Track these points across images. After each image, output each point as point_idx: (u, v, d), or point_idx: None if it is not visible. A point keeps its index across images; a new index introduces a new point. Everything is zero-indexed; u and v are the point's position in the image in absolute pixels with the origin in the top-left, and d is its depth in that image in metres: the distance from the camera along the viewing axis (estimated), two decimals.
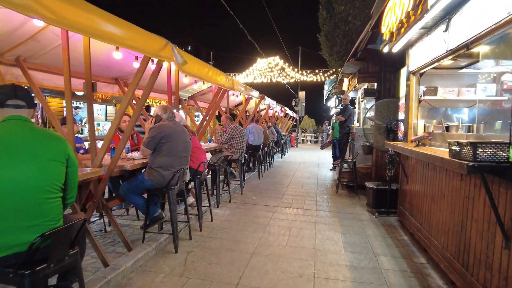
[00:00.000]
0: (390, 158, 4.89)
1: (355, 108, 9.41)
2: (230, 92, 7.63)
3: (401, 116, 4.62)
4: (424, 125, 4.26)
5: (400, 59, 6.41)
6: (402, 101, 4.56)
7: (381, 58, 6.57)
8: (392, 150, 4.84)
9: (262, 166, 9.01)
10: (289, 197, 6.06)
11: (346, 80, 9.06)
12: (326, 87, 12.99)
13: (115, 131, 3.11)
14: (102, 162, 3.08)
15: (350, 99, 8.18)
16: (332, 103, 18.41)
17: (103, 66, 4.24)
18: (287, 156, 14.07)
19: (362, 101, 8.90)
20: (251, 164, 8.52)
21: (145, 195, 3.40)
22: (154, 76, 2.95)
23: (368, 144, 6.56)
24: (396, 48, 4.15)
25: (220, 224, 4.30)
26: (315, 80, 23.06)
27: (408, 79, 4.37)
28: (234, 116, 8.71)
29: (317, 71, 23.49)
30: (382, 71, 6.52)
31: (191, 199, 4.02)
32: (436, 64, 3.50)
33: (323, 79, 22.98)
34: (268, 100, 7.88)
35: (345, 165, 6.92)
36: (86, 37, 2.86)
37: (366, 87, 7.35)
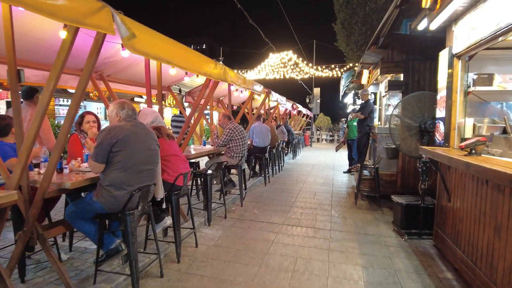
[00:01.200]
0: (424, 166, 3.87)
1: (376, 104, 8.33)
2: (233, 87, 6.75)
3: (439, 113, 3.59)
4: (474, 125, 3.22)
5: (434, 43, 5.33)
6: (441, 94, 3.52)
7: (408, 44, 5.51)
8: (427, 157, 3.82)
9: (270, 170, 8.07)
10: (298, 210, 5.11)
11: (365, 73, 7.98)
12: (342, 82, 11.91)
13: (66, 135, 2.26)
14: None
15: (370, 94, 7.11)
16: (349, 99, 17.23)
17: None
18: (300, 157, 13.06)
19: (384, 96, 7.82)
20: (257, 169, 7.59)
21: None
22: (91, 56, 2.07)
23: (393, 146, 5.53)
24: (436, 23, 3.13)
25: (206, 252, 3.40)
26: (330, 75, 21.82)
27: (450, 65, 3.33)
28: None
29: (333, 66, 22.26)
30: (410, 60, 5.45)
31: (168, 221, 3.17)
32: (500, 39, 2.47)
33: (339, 74, 21.76)
34: (275, 96, 6.93)
35: (365, 171, 5.90)
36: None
37: (390, 79, 6.27)
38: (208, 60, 3.41)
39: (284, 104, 8.47)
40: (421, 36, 5.81)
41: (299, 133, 17.67)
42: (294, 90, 28.75)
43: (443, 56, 3.49)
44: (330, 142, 24.22)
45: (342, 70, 22.20)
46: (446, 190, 3.33)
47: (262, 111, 9.61)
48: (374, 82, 7.38)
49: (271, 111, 13.44)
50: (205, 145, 5.45)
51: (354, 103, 11.31)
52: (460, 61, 3.25)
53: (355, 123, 8.78)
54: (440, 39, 5.49)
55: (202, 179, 4.28)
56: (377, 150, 5.99)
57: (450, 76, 3.32)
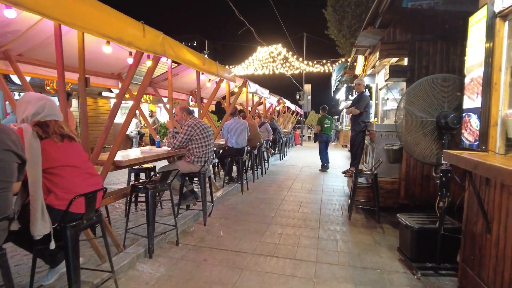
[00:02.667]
0: (445, 177, 2.80)
1: (372, 99, 7.28)
2: (204, 77, 5.62)
3: (469, 103, 2.51)
4: None
5: (447, 18, 4.28)
6: (472, 75, 2.45)
7: (414, 21, 4.45)
8: (448, 164, 2.75)
9: (250, 175, 6.96)
10: (277, 229, 4.01)
11: (360, 61, 6.91)
12: (334, 76, 10.85)
13: None
14: None
15: (365, 85, 6.03)
16: (341, 95, 16.18)
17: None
18: (288, 157, 11.97)
19: (381, 88, 6.76)
20: (235, 173, 6.47)
21: None
22: None
23: (395, 147, 4.46)
24: None
25: None
26: (322, 71, 20.82)
27: (490, 31, 2.25)
28: (240, 112, 6.49)
29: (324, 61, 21.25)
30: (416, 40, 4.39)
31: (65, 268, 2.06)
32: None
33: (331, 70, 20.76)
34: (254, 87, 5.82)
35: (361, 179, 4.83)
36: None
37: (391, 64, 5.21)
38: (131, 23, 2.27)
39: (267, 98, 7.36)
40: (430, 11, 4.76)
41: (288, 131, 16.61)
42: (284, 87, 27.67)
43: (477, 20, 2.40)
44: None
45: (333, 65, 21.20)
46: (484, 214, 2.26)
47: (250, 107, 8.49)
48: (370, 72, 6.32)
49: (259, 107, 12.35)
50: (159, 147, 4.30)
51: (347, 99, 10.26)
52: (506, 23, 2.18)
53: (326, 121, 8.83)
54: (454, 14, 4.43)
55: (146, 194, 3.13)
56: (375, 151, 4.92)
57: (490, 47, 2.24)
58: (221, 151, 6.47)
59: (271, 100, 8.16)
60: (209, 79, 6.00)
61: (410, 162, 4.50)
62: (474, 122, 2.41)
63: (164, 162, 4.70)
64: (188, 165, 3.96)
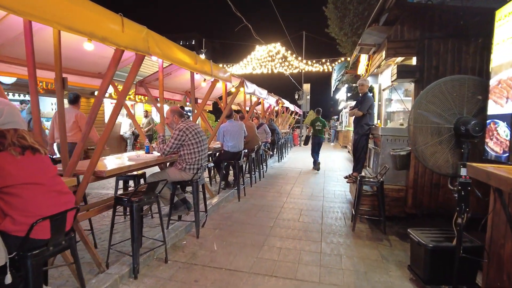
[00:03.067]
0: (464, 191, 2.50)
1: (375, 100, 6.98)
2: (198, 76, 5.30)
3: (494, 108, 2.21)
4: None
5: (460, 15, 3.98)
6: (499, 76, 2.15)
7: (423, 17, 4.14)
8: (467, 177, 2.46)
9: (248, 179, 6.66)
10: (276, 242, 3.70)
11: (363, 60, 6.61)
12: (334, 76, 10.55)
13: None
14: None
15: (369, 85, 5.72)
16: (341, 95, 15.84)
17: None
18: (287, 159, 11.67)
19: (385, 89, 6.46)
20: (232, 177, 6.16)
21: None
22: None
23: (403, 153, 4.16)
24: None
25: None
26: (321, 70, 20.53)
27: None
28: (238, 113, 6.12)
29: (323, 60, 20.94)
30: (426, 38, 4.09)
31: None
32: None
33: (331, 69, 20.46)
34: (251, 87, 5.51)
35: (366, 186, 4.52)
36: None
37: (398, 64, 4.91)
38: (107, 15, 1.95)
39: (265, 98, 7.05)
40: (441, 6, 4.46)
41: (287, 132, 16.32)
42: (283, 86, 27.38)
43: (506, 13, 2.10)
44: None
45: (333, 64, 20.87)
46: None
47: (248, 107, 8.18)
48: (375, 70, 6.01)
49: (257, 107, 12.04)
50: (148, 152, 3.98)
51: (348, 99, 9.95)
52: None
53: (318, 123, 9.03)
54: (469, 10, 4.13)
55: (132, 207, 2.81)
56: (381, 157, 4.62)
57: None
58: (217, 154, 6.16)
59: (270, 100, 7.85)
60: (204, 79, 5.68)
61: (418, 169, 4.20)
62: (502, 130, 2.10)
63: (156, 168, 4.39)
64: (180, 173, 3.64)
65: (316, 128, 9.05)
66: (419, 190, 4.22)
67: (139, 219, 2.80)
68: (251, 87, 5.48)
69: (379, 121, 6.71)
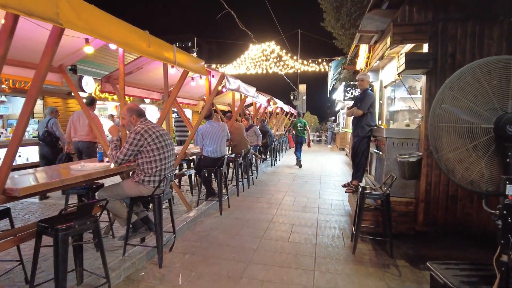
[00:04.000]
0: (511, 216, 1.79)
1: (375, 99, 6.28)
2: (174, 70, 4.60)
3: None
4: None
5: None
6: None
7: None
8: None
9: (235, 186, 5.93)
10: (258, 272, 2.97)
11: (362, 52, 5.91)
12: (330, 74, 9.87)
13: None
14: None
15: (370, 81, 5.00)
16: (338, 95, 15.11)
17: None
18: (281, 163, 10.95)
19: (391, 84, 5.77)
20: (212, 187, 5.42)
21: None
22: None
23: (412, 159, 3.46)
24: None
25: None
26: (317, 70, 19.86)
27: None
28: (226, 113, 5.45)
29: (320, 60, 20.30)
30: (440, 21, 3.40)
31: None
32: None
33: (327, 69, 19.81)
34: (235, 83, 4.76)
35: (369, 199, 3.80)
36: None
37: (408, 52, 4.22)
38: None
39: (253, 97, 6.33)
40: None
41: (282, 134, 15.61)
42: (278, 87, 26.70)
43: None
44: (317, 142, 22.25)
45: (330, 64, 20.22)
46: None
47: (238, 110, 7.43)
48: (376, 64, 5.31)
49: (250, 108, 11.31)
50: (101, 161, 3.24)
51: (345, 99, 9.26)
52: None
53: (299, 124, 9.74)
54: None
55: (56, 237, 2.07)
56: (385, 164, 3.91)
57: None
58: (198, 159, 5.42)
59: (259, 99, 7.12)
60: (192, 78, 4.97)
61: (431, 178, 3.51)
62: None
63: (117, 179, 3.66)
64: (137, 187, 2.91)
65: (298, 128, 9.89)
66: (432, 203, 3.52)
67: (65, 253, 2.06)
68: (234, 83, 4.75)
69: (380, 121, 6.01)
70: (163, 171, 2.99)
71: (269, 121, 12.55)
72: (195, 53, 22.18)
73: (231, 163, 5.96)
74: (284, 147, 15.25)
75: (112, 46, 3.21)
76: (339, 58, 13.96)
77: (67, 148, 5.46)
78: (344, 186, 5.14)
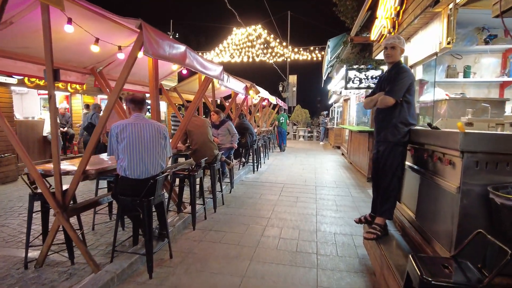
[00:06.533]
0: None
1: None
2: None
3: None
4: None
5: None
6: None
7: None
8: None
9: (188, 217, 3.93)
10: None
11: (382, 11, 3.92)
12: (327, 59, 7.86)
13: None
14: None
15: (404, 49, 2.99)
16: (334, 84, 13.00)
17: None
18: (266, 167, 8.96)
19: (427, 61, 3.85)
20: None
21: None
22: None
23: None
24: None
25: None
26: (309, 58, 17.90)
27: None
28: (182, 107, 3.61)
29: (312, 48, 18.32)
30: None
31: None
32: None
33: (320, 58, 17.85)
34: (196, 60, 2.72)
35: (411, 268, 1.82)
36: None
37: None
38: None
39: (221, 82, 4.30)
40: None
41: (270, 130, 13.62)
42: (264, 77, 24.54)
43: None
44: (308, 139, 20.36)
45: (323, 53, 18.26)
46: None
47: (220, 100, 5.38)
48: (411, 23, 3.34)
49: (228, 101, 9.27)
50: None
51: (347, 87, 7.29)
52: None
53: (281, 118, 13.19)
54: None
55: None
56: (458, 203, 1.93)
57: None
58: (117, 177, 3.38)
59: (231, 85, 5.04)
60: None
61: None
62: None
63: None
64: None
65: (281, 122, 13.44)
66: None
67: None
68: (194, 58, 2.67)
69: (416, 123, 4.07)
70: None
71: (251, 116, 10.52)
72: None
73: (186, 179, 3.94)
74: (272, 145, 13.28)
75: None
76: (338, 54, 11.94)
77: (102, 139, 5.79)
78: (359, 222, 3.18)
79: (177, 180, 4.07)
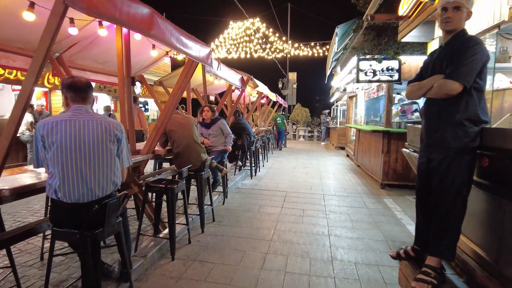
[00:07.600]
0: None
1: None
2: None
3: None
4: None
5: None
6: None
7: None
8: None
9: (165, 242, 3.01)
10: None
11: None
12: (335, 47, 6.97)
13: None
14: None
15: (472, 12, 2.11)
16: (338, 81, 12.00)
17: None
18: (265, 171, 8.06)
19: (487, 33, 2.93)
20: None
21: None
22: None
23: None
24: None
25: None
26: (310, 54, 17.03)
27: None
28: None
29: (312, 44, 17.43)
30: None
31: None
32: None
33: (321, 53, 16.97)
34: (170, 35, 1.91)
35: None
36: None
37: None
38: None
39: (209, 68, 3.41)
40: None
41: (269, 129, 12.74)
42: (263, 73, 23.65)
43: None
44: (309, 139, 19.48)
45: (324, 48, 17.38)
46: None
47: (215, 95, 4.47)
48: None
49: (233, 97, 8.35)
50: None
51: (358, 80, 6.40)
52: None
53: (278, 119, 13.79)
54: None
55: None
56: None
57: None
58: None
59: (224, 74, 4.11)
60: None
61: None
62: None
63: None
64: None
65: (278, 122, 13.73)
66: None
67: None
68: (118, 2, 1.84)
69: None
70: None
71: (249, 114, 9.64)
72: None
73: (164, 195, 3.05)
74: (271, 146, 12.38)
75: None
76: (341, 51, 11.01)
77: None
78: (397, 258, 2.29)
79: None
